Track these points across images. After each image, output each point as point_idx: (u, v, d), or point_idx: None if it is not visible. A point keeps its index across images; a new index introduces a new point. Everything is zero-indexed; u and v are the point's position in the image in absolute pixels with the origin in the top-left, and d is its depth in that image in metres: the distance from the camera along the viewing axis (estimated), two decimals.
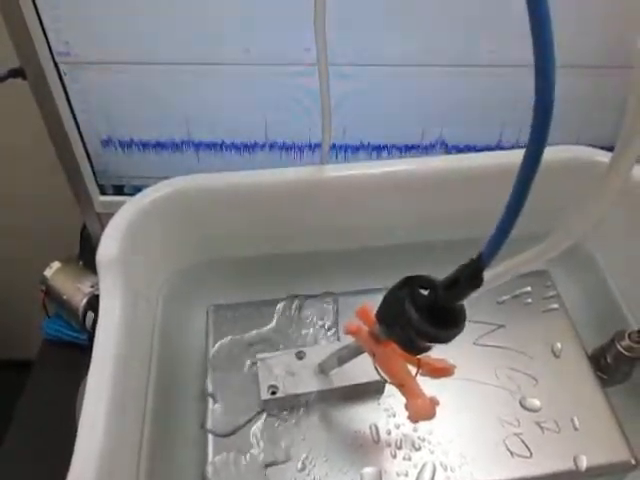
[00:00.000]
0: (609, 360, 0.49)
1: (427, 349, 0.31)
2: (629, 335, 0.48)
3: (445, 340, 0.28)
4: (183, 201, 0.52)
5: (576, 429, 0.43)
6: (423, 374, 0.37)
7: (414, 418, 0.35)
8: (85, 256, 0.68)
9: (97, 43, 0.53)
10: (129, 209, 0.50)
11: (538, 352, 0.48)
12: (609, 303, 0.56)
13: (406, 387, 0.35)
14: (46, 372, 0.62)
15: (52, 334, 0.64)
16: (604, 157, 0.53)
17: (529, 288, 0.52)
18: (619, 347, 0.48)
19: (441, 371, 0.37)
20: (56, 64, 0.53)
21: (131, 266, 0.47)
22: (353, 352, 0.39)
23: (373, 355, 0.36)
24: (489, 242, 0.24)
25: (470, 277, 0.25)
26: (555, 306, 0.51)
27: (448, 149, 0.63)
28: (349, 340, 0.39)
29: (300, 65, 0.54)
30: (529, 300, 0.51)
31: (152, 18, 0.52)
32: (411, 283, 0.29)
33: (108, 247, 0.47)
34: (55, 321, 0.64)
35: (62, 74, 0.54)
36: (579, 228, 0.25)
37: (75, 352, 0.62)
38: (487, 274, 0.26)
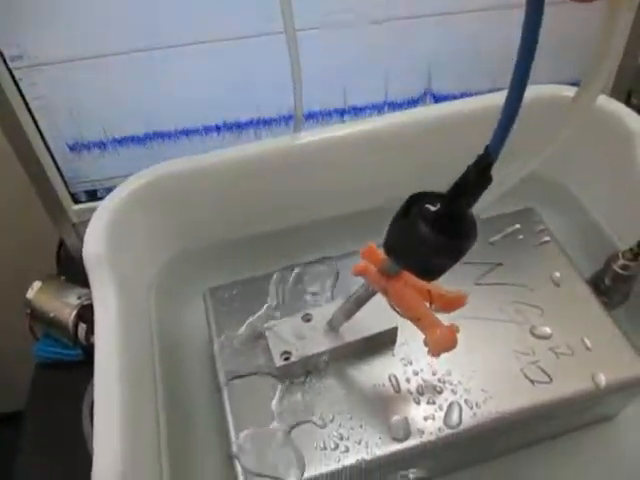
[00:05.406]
0: (607, 282, 0.50)
1: (442, 271, 0.30)
2: (623, 254, 0.49)
3: (461, 251, 0.28)
4: (161, 189, 0.51)
5: (589, 349, 0.43)
6: (436, 310, 0.37)
7: (435, 350, 0.34)
8: (65, 271, 0.66)
9: (51, 42, 0.51)
10: (108, 205, 0.49)
11: (539, 283, 0.48)
12: (595, 233, 0.58)
13: (423, 320, 0.34)
14: (44, 395, 0.59)
15: (44, 356, 0.61)
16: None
17: (518, 225, 0.52)
18: (615, 268, 0.49)
19: (454, 302, 0.37)
20: (9, 69, 0.51)
21: (119, 261, 0.46)
22: (358, 302, 0.39)
23: (385, 293, 0.35)
24: (494, 135, 0.24)
25: (480, 173, 0.24)
26: (547, 239, 0.51)
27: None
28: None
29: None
30: (520, 237, 0.51)
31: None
32: (417, 201, 0.28)
33: (93, 244, 0.46)
34: (45, 342, 0.61)
35: (17, 80, 0.52)
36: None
37: (71, 370, 0.60)
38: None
